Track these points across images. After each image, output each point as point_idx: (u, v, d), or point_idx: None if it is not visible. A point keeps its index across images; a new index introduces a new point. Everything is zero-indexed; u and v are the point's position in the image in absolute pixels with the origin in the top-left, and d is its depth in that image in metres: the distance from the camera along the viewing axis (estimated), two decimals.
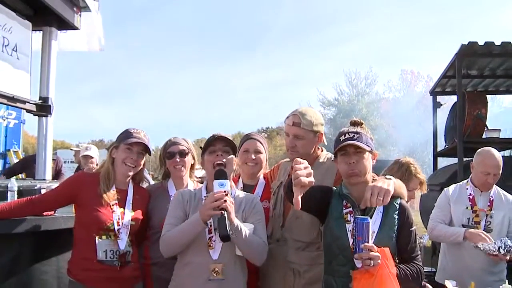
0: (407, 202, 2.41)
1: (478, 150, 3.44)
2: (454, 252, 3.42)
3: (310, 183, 2.02)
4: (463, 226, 3.35)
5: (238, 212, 2.39)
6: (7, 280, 2.84)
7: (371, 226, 2.10)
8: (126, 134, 2.71)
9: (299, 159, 2.09)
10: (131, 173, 2.72)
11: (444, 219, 3.47)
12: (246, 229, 2.27)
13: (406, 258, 2.24)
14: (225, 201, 2.14)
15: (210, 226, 2.30)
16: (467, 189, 3.48)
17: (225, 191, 2.18)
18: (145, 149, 2.73)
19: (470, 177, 3.52)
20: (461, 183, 3.60)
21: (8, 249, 2.85)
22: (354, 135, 2.25)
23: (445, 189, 3.63)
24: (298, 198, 2.00)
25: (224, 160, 2.43)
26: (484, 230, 3.26)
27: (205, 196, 2.43)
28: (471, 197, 3.42)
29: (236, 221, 2.22)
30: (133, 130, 2.72)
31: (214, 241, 2.33)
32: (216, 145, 2.47)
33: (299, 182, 1.98)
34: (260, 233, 2.38)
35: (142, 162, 2.77)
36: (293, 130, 2.64)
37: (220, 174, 2.28)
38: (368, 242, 2.06)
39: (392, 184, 2.25)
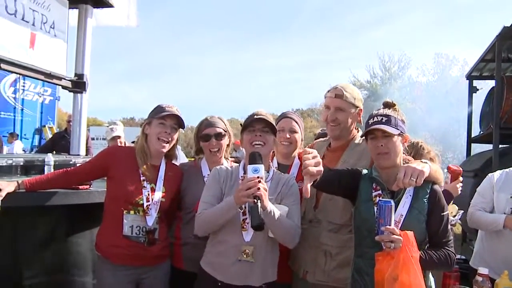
0: None
1: None
2: (491, 239, 3.29)
3: (318, 172, 2.12)
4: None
5: (274, 192, 2.39)
6: (44, 251, 2.94)
7: (393, 209, 2.07)
8: (158, 109, 2.66)
9: (308, 149, 2.19)
10: (165, 149, 2.67)
11: (485, 206, 3.28)
12: (279, 212, 2.24)
13: (437, 242, 2.20)
14: (258, 188, 2.10)
15: (245, 208, 2.30)
16: None
17: (258, 177, 2.14)
18: (179, 122, 2.68)
19: None
20: (507, 170, 3.35)
21: (45, 221, 2.95)
22: (382, 119, 2.22)
23: (489, 174, 3.42)
24: (307, 186, 2.10)
25: (263, 141, 2.40)
26: None
27: (242, 177, 2.42)
28: None
29: (270, 206, 2.19)
30: (165, 105, 2.67)
31: (247, 223, 2.31)
32: (255, 125, 2.44)
33: (308, 171, 2.09)
34: (293, 216, 2.36)
35: (176, 137, 2.71)
36: (336, 102, 2.61)
37: (254, 158, 2.23)
38: (390, 225, 2.05)
39: (427, 166, 2.21)
